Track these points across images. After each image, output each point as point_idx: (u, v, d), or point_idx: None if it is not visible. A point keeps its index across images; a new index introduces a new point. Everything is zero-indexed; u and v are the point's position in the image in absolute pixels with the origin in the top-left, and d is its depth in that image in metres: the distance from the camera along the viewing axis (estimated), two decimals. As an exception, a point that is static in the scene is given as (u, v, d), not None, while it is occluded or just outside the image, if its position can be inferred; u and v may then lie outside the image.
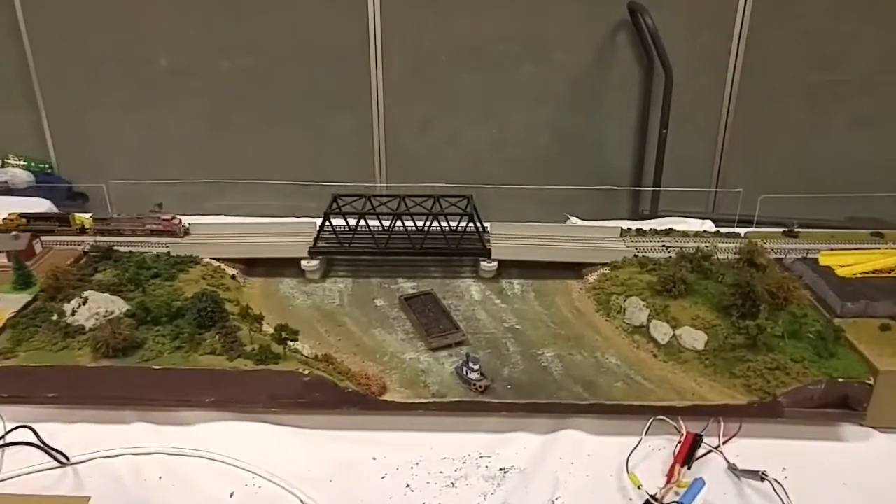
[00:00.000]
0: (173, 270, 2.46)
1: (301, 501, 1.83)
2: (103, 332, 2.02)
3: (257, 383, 2.02)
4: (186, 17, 4.59)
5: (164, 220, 2.77)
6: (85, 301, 2.16)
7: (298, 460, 1.97)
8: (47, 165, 5.04)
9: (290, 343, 2.07)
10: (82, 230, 2.80)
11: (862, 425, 2.05)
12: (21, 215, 2.80)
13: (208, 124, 4.89)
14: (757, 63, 4.48)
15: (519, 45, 4.57)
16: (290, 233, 2.79)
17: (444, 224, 2.68)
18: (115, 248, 2.60)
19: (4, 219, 2.80)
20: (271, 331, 2.10)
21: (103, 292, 2.26)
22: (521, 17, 4.49)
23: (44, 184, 4.73)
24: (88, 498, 1.75)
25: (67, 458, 1.93)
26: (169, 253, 2.62)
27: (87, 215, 2.86)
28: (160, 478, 1.91)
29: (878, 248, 2.63)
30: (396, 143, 4.86)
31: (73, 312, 2.14)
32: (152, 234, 2.75)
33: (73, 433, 2.04)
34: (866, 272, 2.43)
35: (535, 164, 4.81)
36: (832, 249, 2.63)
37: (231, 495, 1.86)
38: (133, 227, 2.75)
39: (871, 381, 1.96)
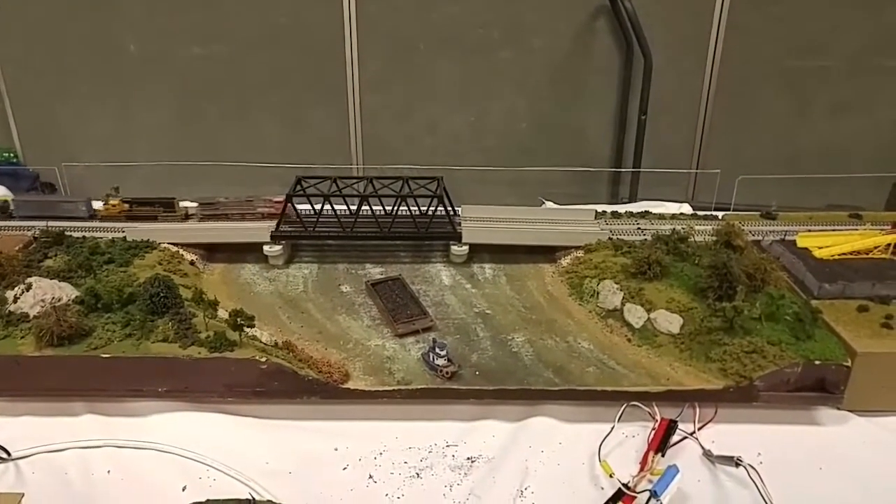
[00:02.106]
0: (128, 256, 2.36)
1: (257, 494, 1.74)
2: (48, 320, 1.91)
3: (212, 371, 1.92)
4: (156, 2, 4.46)
5: (276, 201, 2.62)
6: (29, 287, 2.05)
7: (256, 452, 1.88)
8: (12, 154, 4.90)
9: (246, 329, 1.97)
10: (187, 216, 2.69)
11: (839, 409, 2.00)
12: (123, 200, 2.69)
13: (180, 113, 4.77)
14: (737, 49, 4.43)
15: (497, 31, 4.49)
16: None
17: (413, 207, 2.59)
18: (68, 232, 2.48)
19: (106, 205, 2.69)
20: (227, 317, 2.01)
21: (52, 278, 2.16)
22: (499, 2, 4.41)
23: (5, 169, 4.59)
24: (21, 494, 1.65)
25: (8, 453, 1.83)
26: (125, 238, 2.51)
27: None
28: (108, 472, 1.81)
29: (856, 230, 2.59)
30: (373, 132, 4.77)
31: (16, 299, 2.03)
32: (263, 217, 2.63)
33: (16, 427, 1.93)
34: (844, 253, 2.38)
35: (514, 152, 4.73)
36: (810, 231, 2.58)
37: (183, 489, 1.77)
38: (242, 210, 2.63)
39: (849, 364, 1.91)
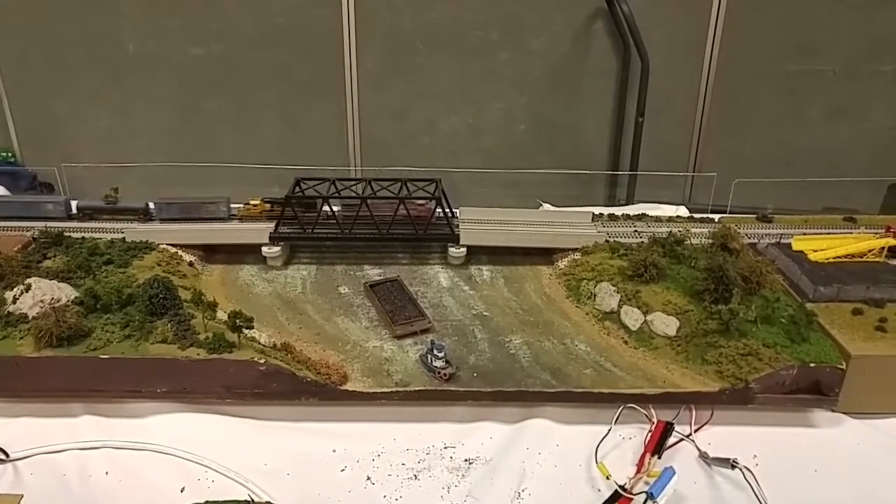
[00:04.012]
0: (127, 257, 2.37)
1: (255, 495, 1.75)
2: (47, 321, 1.92)
3: (211, 373, 1.93)
4: (155, 1, 4.45)
5: (418, 205, 2.62)
6: (28, 288, 2.05)
7: (254, 453, 1.89)
8: (10, 154, 4.89)
9: (245, 331, 1.98)
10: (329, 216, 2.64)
11: (834, 411, 2.02)
12: (264, 200, 2.70)
13: (179, 112, 4.76)
14: (734, 52, 4.44)
15: (496, 31, 4.50)
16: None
17: (412, 209, 2.59)
18: (67, 233, 2.48)
19: (247, 205, 2.71)
20: (225, 318, 2.01)
21: (51, 279, 2.16)
22: (498, 3, 4.42)
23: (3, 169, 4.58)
24: (21, 496, 1.65)
25: (7, 454, 1.83)
26: (124, 239, 2.51)
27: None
28: (107, 473, 1.82)
29: (851, 233, 2.60)
30: (371, 132, 4.77)
31: (15, 300, 2.03)
32: (413, 221, 2.59)
33: (15, 428, 1.94)
34: (839, 256, 2.40)
35: (512, 153, 4.74)
36: (805, 234, 2.60)
37: (182, 490, 1.78)
38: (382, 212, 2.60)
39: (844, 366, 1.93)
